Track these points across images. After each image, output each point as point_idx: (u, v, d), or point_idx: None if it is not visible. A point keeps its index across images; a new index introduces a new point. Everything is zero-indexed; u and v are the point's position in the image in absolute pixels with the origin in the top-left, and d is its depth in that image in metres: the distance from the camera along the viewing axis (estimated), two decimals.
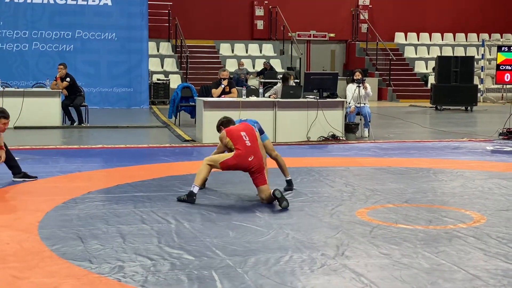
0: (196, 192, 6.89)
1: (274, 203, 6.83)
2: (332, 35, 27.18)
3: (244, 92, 12.36)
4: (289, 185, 7.72)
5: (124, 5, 19.88)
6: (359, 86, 13.04)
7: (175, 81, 21.78)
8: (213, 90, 12.60)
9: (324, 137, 12.14)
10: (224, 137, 7.01)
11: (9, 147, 8.16)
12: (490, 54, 24.91)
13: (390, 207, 6.86)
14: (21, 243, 5.34)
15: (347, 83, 15.04)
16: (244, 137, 6.91)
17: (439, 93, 20.65)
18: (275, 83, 16.78)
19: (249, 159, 6.78)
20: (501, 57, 22.12)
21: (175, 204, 6.80)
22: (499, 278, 4.59)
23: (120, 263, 4.85)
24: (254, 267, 4.78)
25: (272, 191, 6.76)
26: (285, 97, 12.08)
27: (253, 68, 24.37)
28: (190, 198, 6.88)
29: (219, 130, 7.31)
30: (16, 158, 8.19)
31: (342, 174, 8.85)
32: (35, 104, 14.01)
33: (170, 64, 23.39)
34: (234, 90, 12.74)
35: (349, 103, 12.99)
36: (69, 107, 14.38)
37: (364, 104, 13.12)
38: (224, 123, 7.28)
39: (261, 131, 7.60)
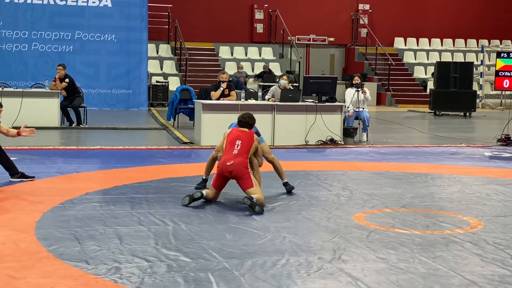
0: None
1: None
2: (331, 39, 27.21)
3: (243, 95, 12.36)
4: (288, 188, 7.74)
5: (124, 7, 19.89)
6: (358, 91, 13.04)
7: (174, 83, 21.79)
8: (212, 93, 12.61)
9: (322, 141, 12.14)
10: (225, 134, 7.23)
11: (7, 148, 8.16)
12: (489, 60, 24.94)
13: (388, 211, 6.86)
14: (17, 243, 5.34)
15: (346, 87, 15.06)
16: (236, 146, 7.01)
17: (438, 99, 20.67)
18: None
19: (227, 163, 6.89)
20: (500, 63, 22.12)
21: (173, 206, 6.80)
22: (495, 284, 4.59)
23: (116, 264, 4.85)
24: (251, 270, 4.78)
25: (243, 198, 6.79)
26: (284, 100, 12.09)
27: (253, 71, 24.38)
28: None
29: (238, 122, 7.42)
30: (13, 159, 8.18)
31: (340, 178, 8.85)
32: (34, 105, 14.00)
33: (169, 66, 23.40)
34: (233, 93, 12.76)
35: (348, 108, 13.00)
36: (68, 108, 14.38)
37: (363, 108, 13.12)
38: (242, 123, 7.29)
39: (258, 134, 7.62)
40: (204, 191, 6.96)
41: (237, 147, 6.99)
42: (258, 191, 6.83)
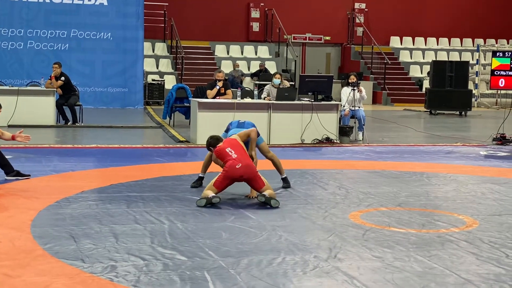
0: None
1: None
2: (327, 38, 27.21)
3: (239, 93, 12.36)
4: (286, 183, 7.89)
5: (120, 5, 19.87)
6: (353, 89, 13.05)
7: (170, 82, 21.77)
8: (208, 91, 12.60)
9: (318, 139, 12.14)
10: (215, 159, 7.27)
11: (3, 146, 8.14)
12: (485, 59, 24.96)
13: (383, 210, 6.87)
14: (13, 241, 5.33)
15: (342, 86, 15.06)
16: (230, 152, 7.03)
17: (434, 98, 20.69)
18: None
19: (237, 166, 6.87)
20: (495, 63, 22.10)
21: (169, 205, 6.80)
22: (491, 283, 4.60)
23: (112, 262, 4.84)
24: (247, 269, 4.78)
25: (257, 196, 6.90)
26: (280, 99, 12.09)
27: (248, 70, 24.37)
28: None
29: (209, 149, 7.45)
30: (8, 157, 8.16)
31: (335, 177, 8.86)
32: (29, 103, 13.98)
33: (165, 65, 23.38)
34: (229, 91, 12.74)
35: (344, 106, 13.00)
36: (63, 106, 14.35)
37: (359, 107, 13.12)
38: (212, 144, 7.34)
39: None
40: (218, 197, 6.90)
41: (231, 152, 7.02)
42: (269, 187, 6.96)
